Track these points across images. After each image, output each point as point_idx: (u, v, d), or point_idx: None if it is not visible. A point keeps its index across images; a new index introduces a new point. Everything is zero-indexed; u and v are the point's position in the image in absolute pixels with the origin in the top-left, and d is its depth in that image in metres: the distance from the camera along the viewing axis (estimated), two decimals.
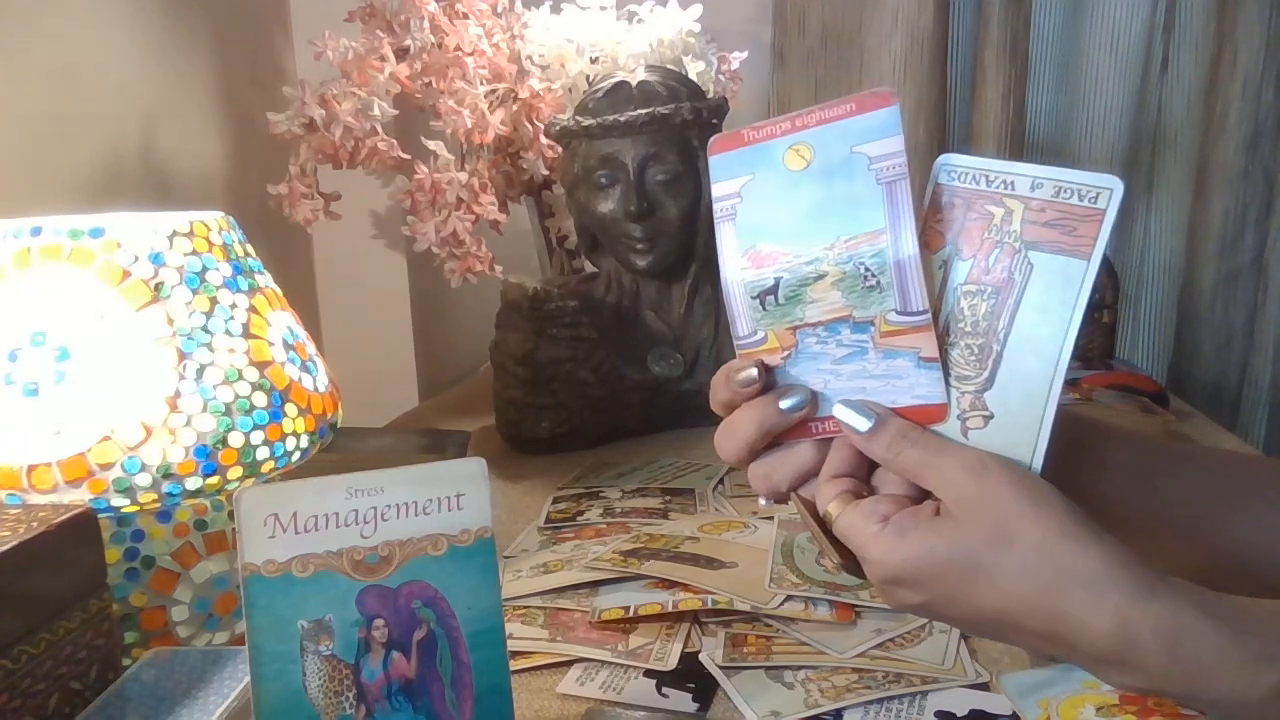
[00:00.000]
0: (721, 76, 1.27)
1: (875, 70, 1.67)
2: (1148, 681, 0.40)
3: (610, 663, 0.62)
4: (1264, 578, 0.48)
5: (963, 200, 0.46)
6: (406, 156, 1.12)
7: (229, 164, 1.19)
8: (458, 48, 1.12)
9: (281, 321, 0.67)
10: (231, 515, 0.53)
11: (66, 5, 0.92)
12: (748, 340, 0.49)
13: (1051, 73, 1.71)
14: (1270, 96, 1.55)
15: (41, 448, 0.56)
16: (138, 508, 0.58)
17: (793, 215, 0.47)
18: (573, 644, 0.64)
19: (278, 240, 1.22)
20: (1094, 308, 1.51)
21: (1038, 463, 0.44)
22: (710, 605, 0.66)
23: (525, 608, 0.69)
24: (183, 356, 0.59)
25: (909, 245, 0.45)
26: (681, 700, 0.58)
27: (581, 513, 0.88)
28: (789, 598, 0.66)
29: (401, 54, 1.12)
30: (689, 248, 1.14)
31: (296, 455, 0.64)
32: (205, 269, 0.62)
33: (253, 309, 0.64)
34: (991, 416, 0.45)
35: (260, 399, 0.61)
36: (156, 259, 0.60)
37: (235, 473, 0.60)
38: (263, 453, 0.61)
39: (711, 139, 0.48)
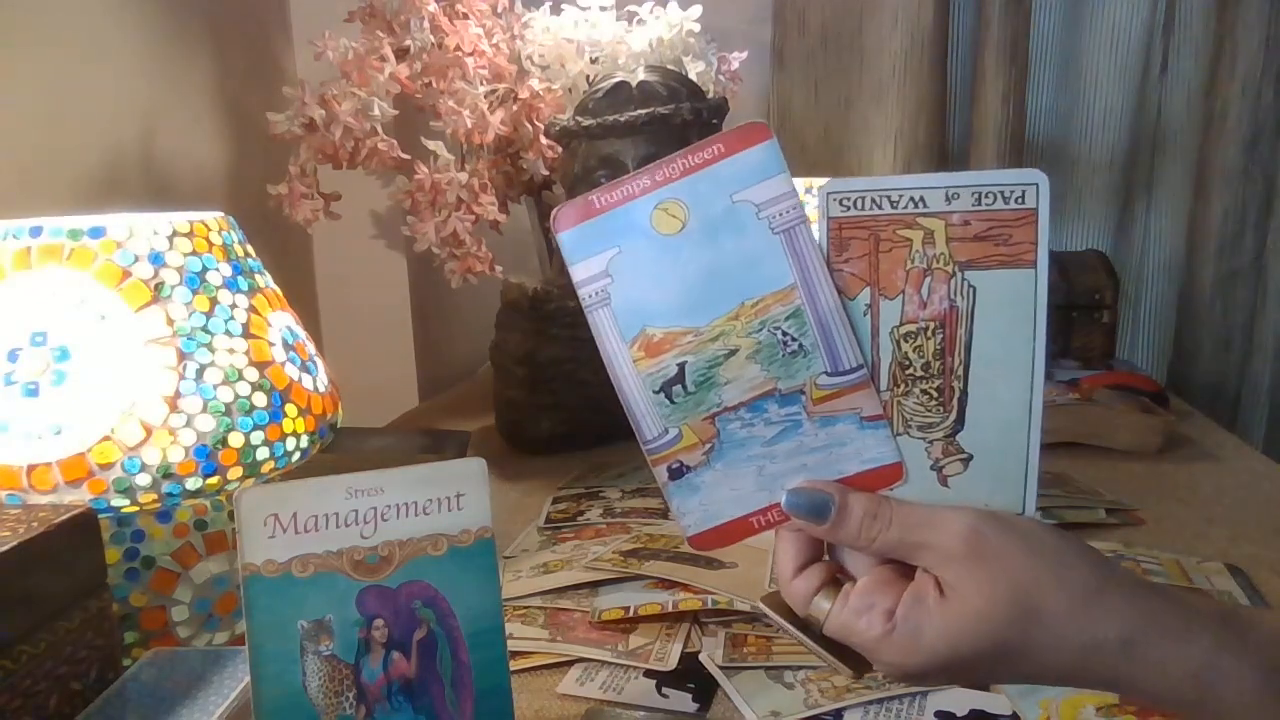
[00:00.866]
0: (721, 76, 1.27)
1: (875, 70, 1.67)
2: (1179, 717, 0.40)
3: (610, 663, 0.62)
4: None
5: (867, 231, 0.41)
6: (406, 156, 1.12)
7: (229, 164, 1.19)
8: (458, 48, 1.12)
9: (281, 321, 0.67)
10: (231, 515, 0.53)
11: (66, 5, 0.92)
12: (659, 443, 0.42)
13: (1051, 73, 1.71)
14: (1270, 96, 1.55)
15: (41, 448, 0.56)
16: (138, 508, 0.58)
17: (680, 287, 0.41)
18: (573, 644, 0.64)
19: (278, 240, 1.22)
20: (1094, 308, 1.51)
21: (1031, 497, 0.41)
22: (710, 605, 0.66)
23: (525, 608, 0.69)
24: (183, 356, 0.59)
25: (828, 297, 0.41)
26: (681, 700, 0.58)
27: (581, 513, 0.88)
28: None
29: (401, 54, 1.12)
30: None
31: (296, 455, 0.64)
32: (205, 269, 0.62)
33: (253, 309, 0.64)
34: (970, 458, 0.42)
35: (260, 399, 0.61)
36: (156, 259, 0.60)
37: (235, 473, 0.60)
38: (263, 453, 0.61)
39: (554, 212, 0.42)
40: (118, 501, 0.57)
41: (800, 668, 0.60)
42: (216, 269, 0.63)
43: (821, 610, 0.41)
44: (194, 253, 0.62)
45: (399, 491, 0.46)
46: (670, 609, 0.66)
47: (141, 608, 0.61)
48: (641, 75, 1.09)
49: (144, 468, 0.57)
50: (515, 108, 1.17)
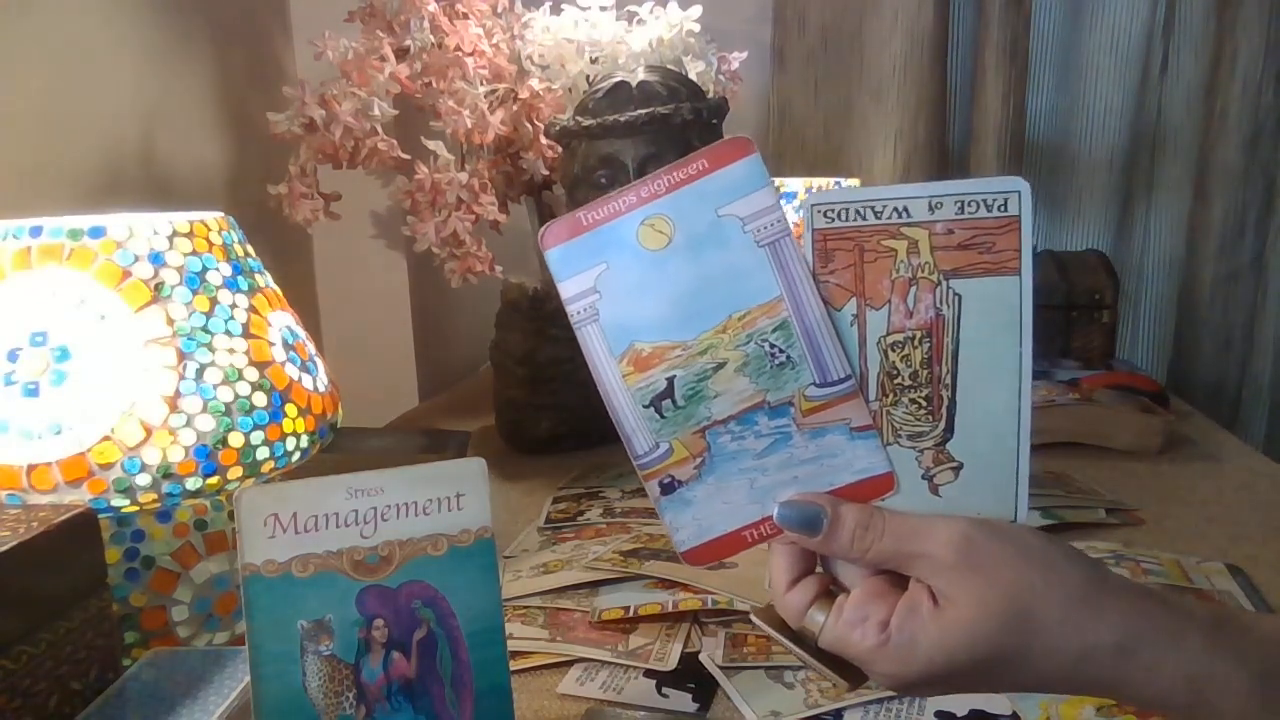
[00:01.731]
0: (721, 76, 1.27)
1: (875, 70, 1.67)
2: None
3: (610, 663, 0.62)
4: None
5: (852, 242, 0.41)
6: (406, 156, 1.12)
7: (229, 164, 1.19)
8: (458, 48, 1.12)
9: (281, 321, 0.67)
10: (231, 515, 0.53)
11: (66, 5, 0.92)
12: (650, 458, 0.43)
13: (1051, 73, 1.71)
14: (1270, 96, 1.56)
15: (41, 448, 0.56)
16: (138, 508, 0.58)
17: (668, 302, 0.41)
18: (573, 644, 0.64)
19: (278, 240, 1.22)
20: (1094, 307, 1.51)
21: (1023, 504, 0.41)
22: (710, 605, 0.66)
23: (525, 608, 0.69)
24: (183, 356, 0.59)
25: (814, 308, 0.41)
26: (681, 700, 0.58)
27: (581, 513, 0.88)
28: None
29: (401, 54, 1.12)
30: None
31: (296, 455, 0.64)
32: (205, 269, 0.62)
33: (253, 309, 0.64)
34: (960, 466, 0.42)
35: (260, 399, 0.61)
36: (156, 259, 0.60)
37: (235, 473, 0.60)
38: (263, 453, 0.61)
39: (541, 230, 0.42)
40: (118, 501, 0.57)
41: (800, 668, 0.60)
42: (216, 269, 0.63)
43: (816, 623, 0.42)
44: (194, 253, 0.62)
45: (399, 491, 0.46)
46: (670, 609, 0.66)
47: (141, 608, 0.61)
48: (641, 75, 1.09)
49: (144, 468, 0.57)
50: (515, 108, 1.17)
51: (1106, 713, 0.53)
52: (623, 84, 1.08)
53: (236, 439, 0.60)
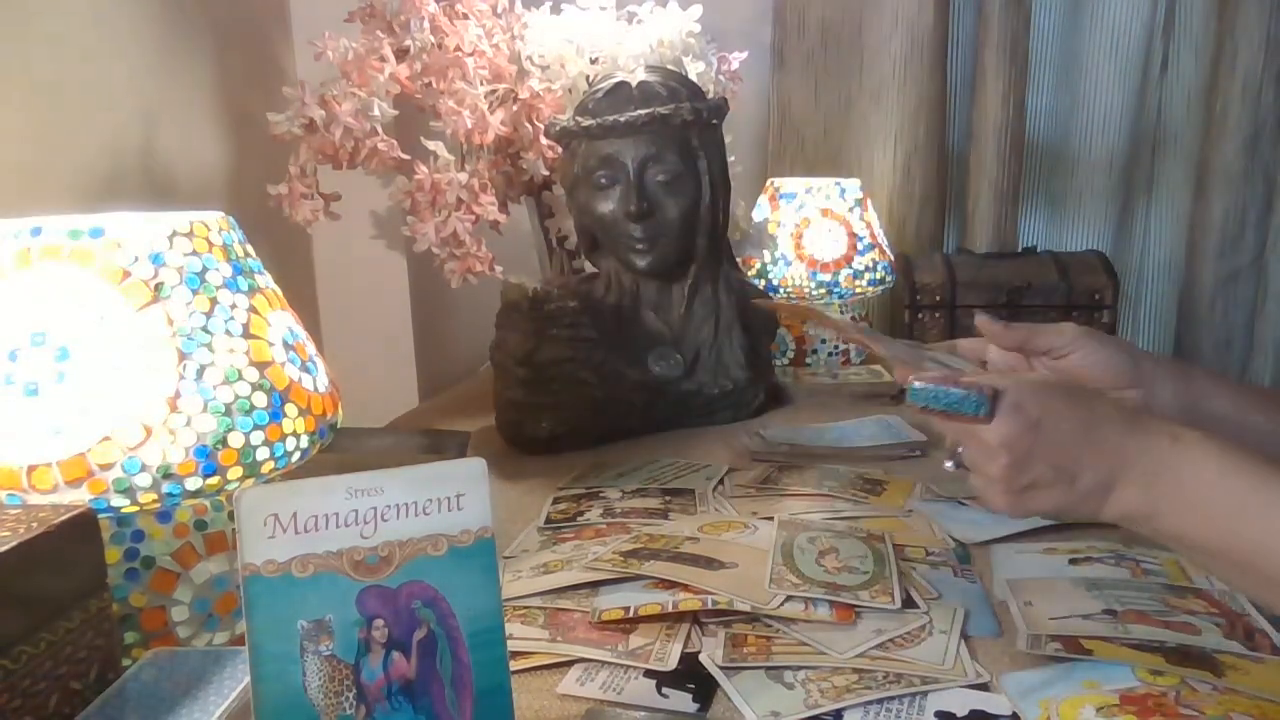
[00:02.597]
0: (721, 76, 1.27)
1: (875, 70, 1.68)
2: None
3: (610, 663, 0.62)
4: None
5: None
6: (406, 157, 1.12)
7: (229, 164, 1.19)
8: (458, 48, 1.12)
9: (281, 321, 0.67)
10: (231, 515, 0.53)
11: (66, 5, 0.92)
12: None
13: (1051, 73, 1.71)
14: (1270, 96, 1.56)
15: (41, 448, 0.56)
16: (138, 508, 0.58)
17: None
18: (573, 644, 0.64)
19: (278, 240, 1.22)
20: (1094, 308, 1.51)
21: None
22: (710, 605, 0.66)
23: (525, 608, 0.69)
24: (183, 357, 0.59)
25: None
26: (681, 700, 0.58)
27: (581, 513, 0.88)
28: (789, 598, 0.66)
29: (401, 54, 1.12)
30: (689, 248, 1.14)
31: (296, 455, 0.64)
32: (205, 269, 0.62)
33: (253, 309, 0.64)
34: None
35: (260, 399, 0.61)
36: (156, 259, 0.60)
37: (235, 473, 0.60)
38: (263, 453, 0.61)
39: None
40: (118, 501, 0.57)
41: (800, 668, 0.60)
42: (216, 269, 0.63)
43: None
44: (194, 253, 0.62)
45: (399, 492, 0.46)
46: (670, 609, 0.66)
47: (141, 608, 0.61)
48: (641, 75, 1.09)
49: (144, 468, 0.57)
50: (515, 108, 1.18)
51: (1107, 712, 0.53)
52: (623, 84, 1.09)
53: (236, 439, 0.59)
